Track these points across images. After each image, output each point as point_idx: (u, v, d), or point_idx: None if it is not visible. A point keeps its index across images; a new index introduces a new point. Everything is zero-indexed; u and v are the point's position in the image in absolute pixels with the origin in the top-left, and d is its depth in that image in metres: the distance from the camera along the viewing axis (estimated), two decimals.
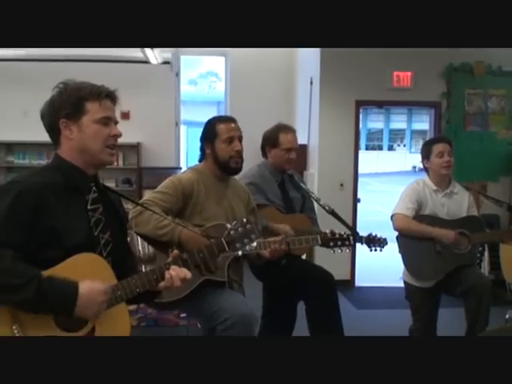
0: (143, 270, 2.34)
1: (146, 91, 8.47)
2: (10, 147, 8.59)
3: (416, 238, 3.94)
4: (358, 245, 3.84)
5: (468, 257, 3.94)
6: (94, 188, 2.20)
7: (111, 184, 7.87)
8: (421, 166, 4.27)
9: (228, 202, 3.28)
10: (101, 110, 2.14)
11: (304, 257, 4.13)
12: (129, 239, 2.62)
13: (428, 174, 4.12)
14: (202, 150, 3.33)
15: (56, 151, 2.19)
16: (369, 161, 27.10)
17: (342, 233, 3.61)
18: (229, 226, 2.40)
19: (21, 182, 2.02)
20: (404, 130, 34.96)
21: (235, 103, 8.55)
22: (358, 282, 7.33)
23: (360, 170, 7.39)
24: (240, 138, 3.28)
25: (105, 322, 2.04)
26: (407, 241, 4.00)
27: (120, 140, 2.22)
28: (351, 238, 3.61)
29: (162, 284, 2.19)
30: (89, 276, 2.03)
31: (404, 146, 35.33)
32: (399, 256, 4.09)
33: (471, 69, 7.04)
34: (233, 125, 3.28)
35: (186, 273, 2.22)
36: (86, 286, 1.96)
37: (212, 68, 19.67)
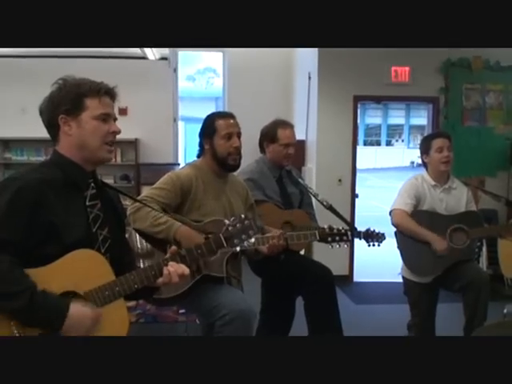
0: (141, 265, 2.35)
1: (143, 87, 8.46)
2: (7, 144, 8.58)
3: (410, 237, 3.96)
4: (356, 240, 3.85)
5: (466, 252, 3.94)
6: (92, 184, 2.20)
7: (109, 180, 7.86)
8: (419, 161, 4.27)
9: (226, 198, 3.28)
10: (100, 107, 2.14)
11: (302, 252, 4.13)
12: (127, 235, 2.63)
13: (427, 170, 4.12)
14: (201, 145, 3.33)
15: (54, 147, 2.19)
16: (367, 156, 27.12)
17: (340, 228, 3.62)
18: (227, 221, 2.41)
19: (19, 179, 2.02)
20: (402, 125, 34.95)
21: (233, 99, 8.55)
22: (357, 278, 7.34)
23: (358, 166, 7.40)
24: (239, 135, 3.28)
25: (103, 318, 2.04)
26: (406, 236, 4.00)
27: (118, 136, 2.22)
28: (349, 233, 3.62)
29: (160, 280, 2.19)
30: (87, 272, 2.04)
31: (402, 141, 35.32)
32: (397, 251, 4.09)
33: (469, 64, 7.04)
34: (232, 121, 3.28)
35: (184, 269, 2.23)
36: (76, 309, 1.97)
37: (210, 64, 19.62)
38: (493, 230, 4.55)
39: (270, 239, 3.31)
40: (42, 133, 2.24)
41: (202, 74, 21.12)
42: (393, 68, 7.03)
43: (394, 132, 35.63)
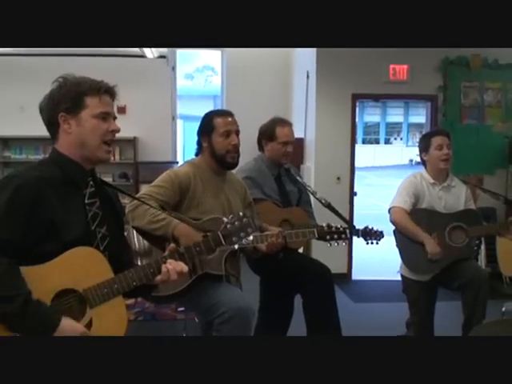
0: (139, 263, 2.35)
1: (142, 85, 8.45)
2: (6, 142, 8.57)
3: (407, 236, 3.96)
4: (354, 238, 3.85)
5: (465, 250, 3.95)
6: (91, 182, 2.20)
7: (108, 179, 7.84)
8: (418, 159, 4.27)
9: (225, 196, 3.28)
10: (100, 105, 2.14)
11: (301, 250, 4.13)
12: (125, 233, 2.63)
13: (425, 167, 4.13)
14: (199, 143, 3.33)
15: (53, 145, 2.19)
16: (365, 154, 27.12)
17: (339, 226, 3.62)
18: (225, 219, 2.41)
19: (18, 177, 2.03)
20: (401, 123, 34.98)
21: (232, 97, 8.54)
22: (355, 276, 7.34)
23: (357, 164, 7.40)
24: (237, 132, 3.29)
25: (102, 315, 2.05)
26: (403, 234, 4.01)
27: (116, 134, 2.22)
28: (348, 231, 3.62)
29: (158, 278, 2.20)
30: (86, 269, 2.04)
31: (401, 139, 35.36)
32: (396, 249, 4.10)
33: (467, 62, 7.04)
34: (230, 119, 3.29)
35: (182, 266, 2.23)
36: (68, 323, 1.97)
37: (208, 62, 19.66)
38: (492, 228, 4.55)
39: (269, 237, 3.31)
40: (41, 131, 2.24)
41: (201, 73, 21.16)
42: (391, 66, 7.02)
43: (393, 130, 35.67)
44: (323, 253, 4.25)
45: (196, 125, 3.37)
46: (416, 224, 3.94)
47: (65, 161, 2.14)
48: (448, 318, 4.33)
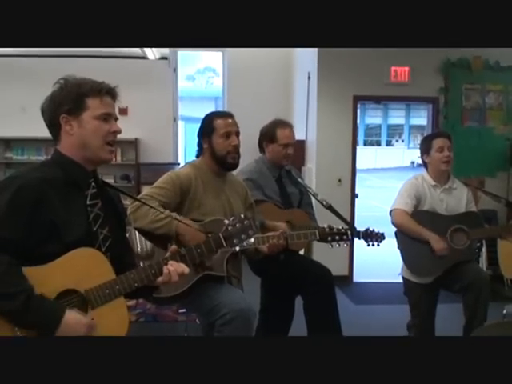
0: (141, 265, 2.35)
1: (143, 87, 8.46)
2: (8, 143, 8.58)
3: (411, 237, 3.96)
4: (356, 240, 3.85)
5: (467, 253, 3.94)
6: (93, 184, 2.20)
7: (109, 180, 7.86)
8: (419, 161, 4.26)
9: (226, 197, 3.28)
10: (101, 107, 2.14)
11: (302, 252, 4.13)
12: (127, 235, 2.64)
13: (427, 170, 4.12)
14: (200, 145, 3.33)
15: (56, 147, 2.20)
16: (367, 156, 27.14)
17: (340, 227, 3.63)
18: (227, 221, 2.42)
19: (20, 177, 2.03)
20: (402, 125, 34.96)
21: (233, 99, 8.55)
22: (356, 278, 7.34)
23: (358, 166, 7.40)
24: (237, 133, 3.29)
25: (104, 316, 2.05)
26: (406, 236, 4.00)
27: (118, 136, 2.22)
28: (349, 232, 3.62)
29: (160, 279, 2.20)
30: (87, 270, 2.05)
31: (402, 141, 35.34)
32: (397, 252, 4.09)
33: (469, 64, 7.04)
34: (230, 120, 3.29)
35: (183, 268, 2.24)
36: (72, 315, 1.97)
37: (210, 63, 19.63)
38: (493, 230, 4.55)
39: (270, 238, 3.31)
40: (43, 132, 2.25)
41: (202, 74, 21.15)
42: (392, 68, 7.03)
43: (394, 132, 35.64)
44: (324, 255, 4.26)
45: (197, 126, 3.38)
46: None
47: (67, 162, 2.15)
48: (449, 320, 4.33)
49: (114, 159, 2.33)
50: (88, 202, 2.16)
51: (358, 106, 7.29)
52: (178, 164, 8.64)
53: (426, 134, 5.63)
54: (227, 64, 8.81)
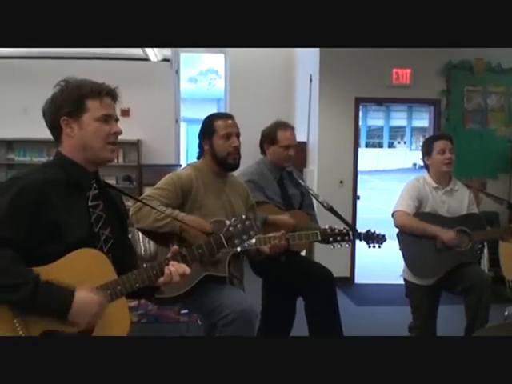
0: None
1: (145, 88, 8.48)
2: (10, 144, 8.61)
3: (417, 235, 3.95)
4: (357, 242, 3.85)
5: (469, 254, 3.93)
6: (94, 185, 2.21)
7: (112, 181, 7.87)
8: (421, 163, 4.26)
9: (227, 198, 3.29)
10: (102, 108, 2.15)
11: (303, 253, 4.14)
12: (130, 236, 2.64)
13: (428, 171, 4.12)
14: (200, 146, 3.34)
15: (57, 148, 2.20)
16: (369, 158, 27.11)
17: (342, 228, 3.63)
18: (228, 222, 2.42)
19: (22, 178, 2.04)
20: (404, 127, 34.95)
21: (235, 100, 8.56)
22: (358, 279, 7.34)
23: (360, 168, 7.41)
24: (238, 135, 3.30)
25: (105, 316, 2.05)
26: (408, 238, 4.00)
27: (120, 137, 2.23)
28: (351, 232, 3.63)
29: (161, 279, 2.20)
30: (89, 271, 2.05)
31: (404, 143, 35.33)
32: (399, 253, 4.08)
33: (470, 66, 7.04)
34: (230, 121, 3.30)
35: (185, 268, 2.24)
36: (82, 295, 1.98)
37: (212, 65, 19.69)
38: (495, 232, 4.55)
39: (272, 239, 3.32)
40: (45, 134, 2.26)
41: (204, 76, 21.19)
42: (394, 70, 7.03)
43: (396, 134, 35.64)
44: (326, 256, 4.27)
45: (199, 128, 3.39)
46: None
47: (68, 163, 2.15)
48: (451, 321, 4.32)
49: (116, 160, 2.34)
50: (90, 204, 2.17)
51: (360, 107, 7.30)
52: (180, 165, 8.64)
53: (427, 136, 5.63)
54: (229, 66, 8.82)
